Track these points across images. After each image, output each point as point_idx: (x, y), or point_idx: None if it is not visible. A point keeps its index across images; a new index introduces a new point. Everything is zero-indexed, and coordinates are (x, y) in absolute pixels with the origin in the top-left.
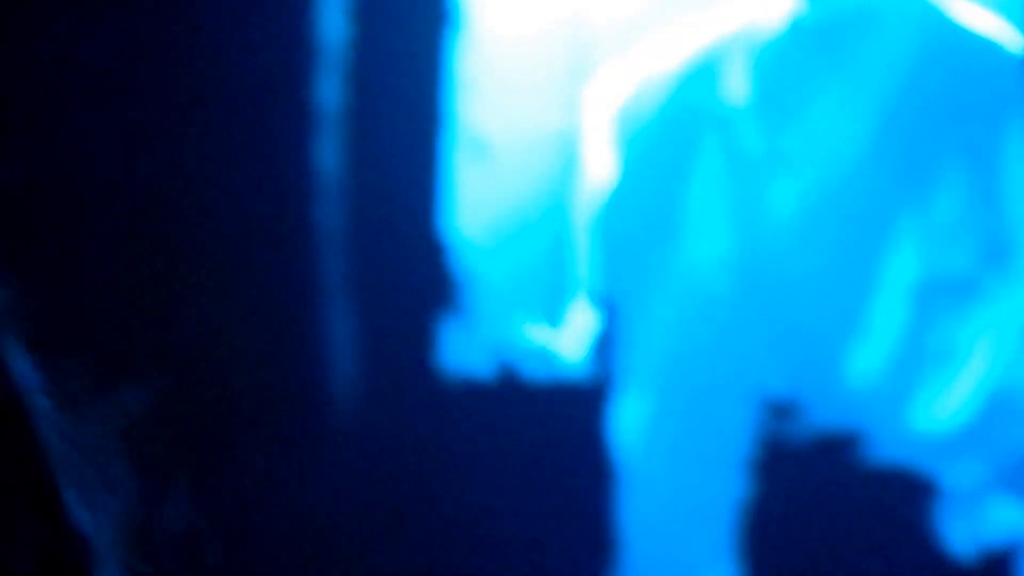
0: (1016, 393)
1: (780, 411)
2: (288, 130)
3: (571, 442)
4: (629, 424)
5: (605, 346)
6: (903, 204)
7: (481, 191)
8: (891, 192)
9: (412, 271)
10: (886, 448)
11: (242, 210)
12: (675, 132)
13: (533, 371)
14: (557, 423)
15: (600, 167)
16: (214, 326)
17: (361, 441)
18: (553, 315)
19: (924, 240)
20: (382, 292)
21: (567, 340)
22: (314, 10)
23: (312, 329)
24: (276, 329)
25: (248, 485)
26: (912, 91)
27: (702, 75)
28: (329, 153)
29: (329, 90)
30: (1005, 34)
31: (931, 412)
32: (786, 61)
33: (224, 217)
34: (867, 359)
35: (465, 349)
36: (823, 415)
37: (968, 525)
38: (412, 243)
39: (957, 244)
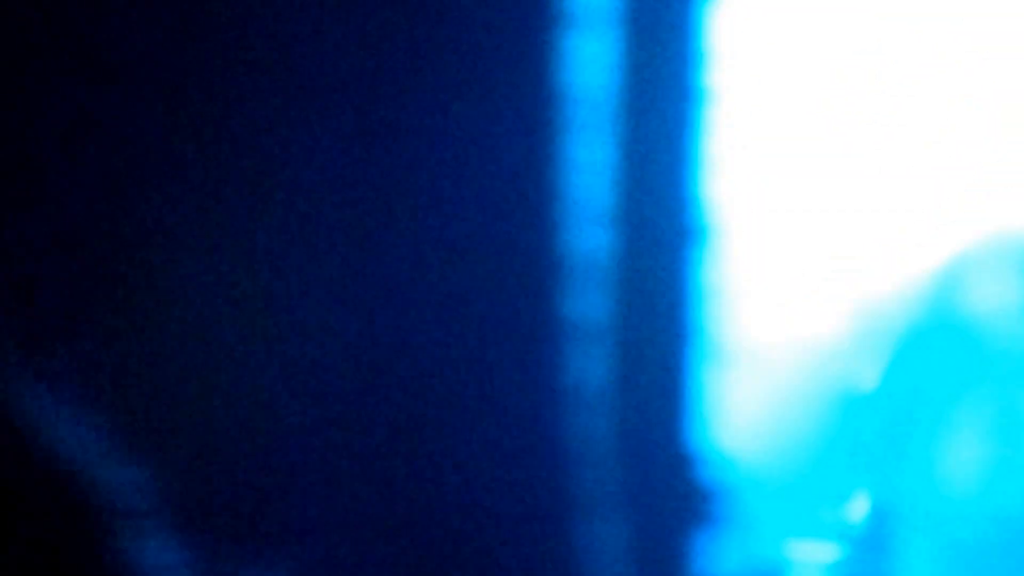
0: None
1: None
2: (547, 345)
3: None
4: None
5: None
6: None
7: (741, 400)
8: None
9: (669, 482)
10: None
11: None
12: (931, 339)
13: None
14: None
15: (858, 370)
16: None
17: None
18: (819, 526)
19: None
20: (640, 504)
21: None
22: (570, 221)
23: (574, 543)
24: (539, 543)
25: None
26: None
27: (955, 282)
28: (590, 366)
29: (586, 303)
30: None
31: None
32: None
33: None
34: None
35: (724, 561)
36: None
37: None
38: (669, 454)
39: None
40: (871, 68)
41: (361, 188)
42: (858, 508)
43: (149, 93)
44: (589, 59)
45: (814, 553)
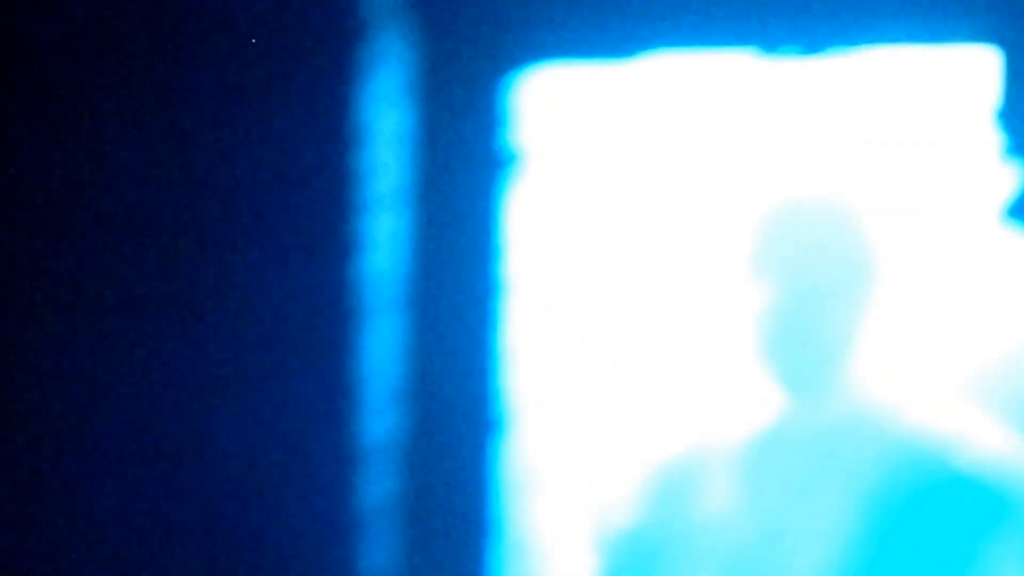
0: None
1: None
2: (340, 531)
3: None
4: None
5: None
6: None
7: None
8: None
9: None
10: None
11: None
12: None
13: None
14: None
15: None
16: None
17: None
18: None
19: None
20: None
21: None
22: (363, 405)
23: None
24: None
25: None
26: (902, 511)
27: (682, 482)
28: (383, 551)
29: (379, 486)
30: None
31: None
32: (771, 470)
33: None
34: None
35: None
36: None
37: None
38: None
39: None
40: (659, 260)
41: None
42: None
43: None
44: (384, 245)
45: None
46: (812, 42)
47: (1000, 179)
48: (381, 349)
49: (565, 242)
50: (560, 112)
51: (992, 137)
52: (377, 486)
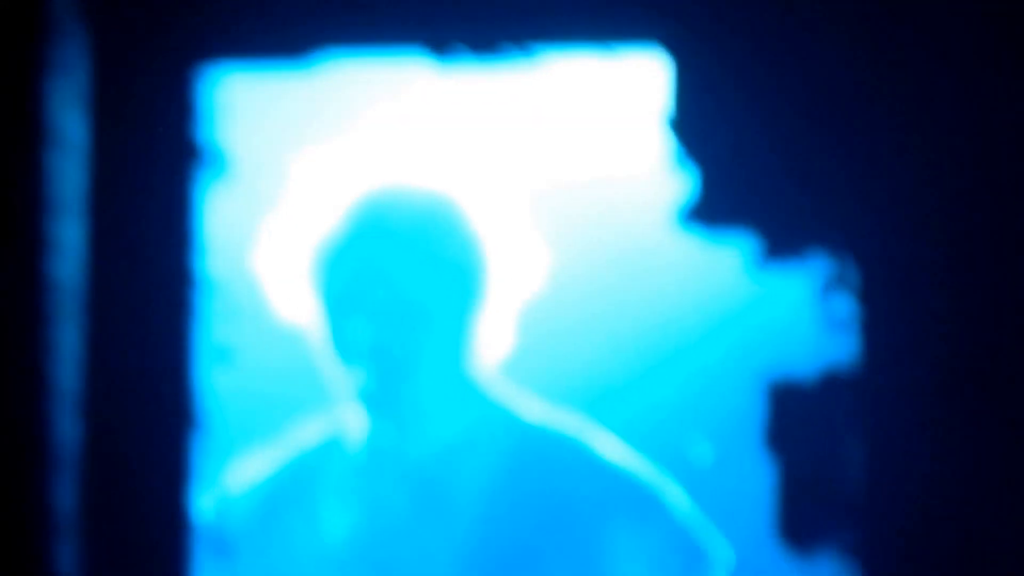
0: None
1: None
2: (26, 534)
3: None
4: None
5: None
6: None
7: None
8: None
9: None
10: None
11: None
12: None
13: None
14: None
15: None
16: None
17: None
18: None
19: None
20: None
21: None
22: (50, 409)
23: None
24: None
25: None
26: (503, 507)
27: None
28: (66, 561)
29: (64, 491)
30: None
31: None
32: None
33: None
34: None
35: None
36: None
37: None
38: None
39: None
40: None
41: None
42: None
43: None
44: (67, 249)
45: None
46: (484, 48)
47: (671, 186)
48: (67, 353)
49: (263, 239)
50: (248, 111)
51: (663, 144)
52: (64, 492)
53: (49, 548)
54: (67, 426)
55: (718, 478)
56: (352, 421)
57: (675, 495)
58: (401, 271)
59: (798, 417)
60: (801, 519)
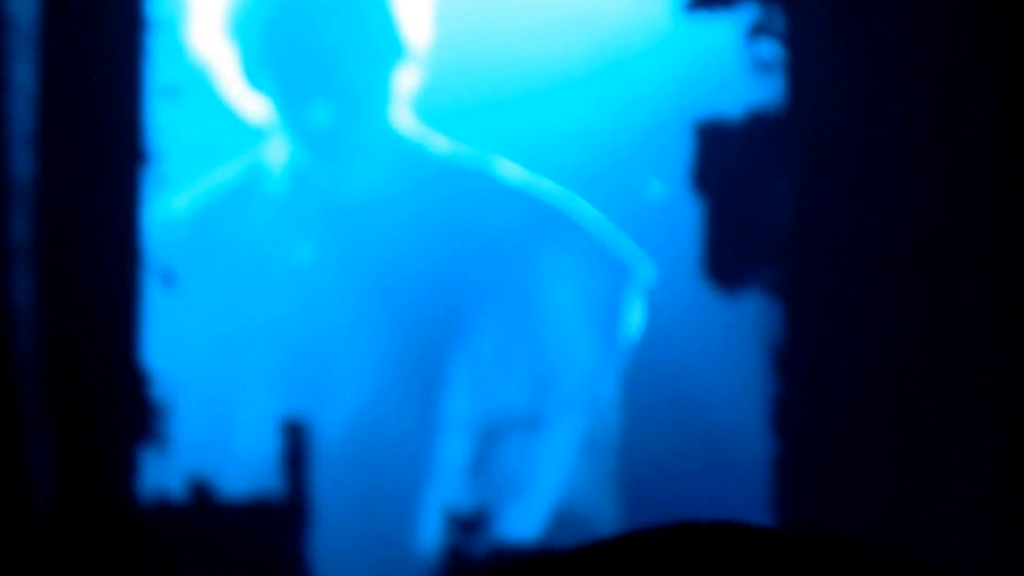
0: (578, 511)
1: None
2: None
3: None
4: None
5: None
6: (450, 348)
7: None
8: (437, 337)
9: (109, 400)
10: None
11: None
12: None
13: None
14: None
15: None
16: None
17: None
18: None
19: (477, 379)
20: (79, 420)
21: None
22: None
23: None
24: None
25: None
26: (440, 238)
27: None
28: (21, 288)
29: (19, 225)
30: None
31: (513, 536)
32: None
33: None
34: (440, 495)
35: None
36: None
37: None
38: (108, 373)
39: (507, 379)
40: None
41: None
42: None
43: None
44: None
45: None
46: None
47: None
48: (20, 90)
49: None
50: None
51: None
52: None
53: (5, 275)
54: (21, 161)
55: (648, 214)
56: (275, 156)
57: (588, 213)
58: (341, 9)
59: (724, 158)
60: (726, 256)
